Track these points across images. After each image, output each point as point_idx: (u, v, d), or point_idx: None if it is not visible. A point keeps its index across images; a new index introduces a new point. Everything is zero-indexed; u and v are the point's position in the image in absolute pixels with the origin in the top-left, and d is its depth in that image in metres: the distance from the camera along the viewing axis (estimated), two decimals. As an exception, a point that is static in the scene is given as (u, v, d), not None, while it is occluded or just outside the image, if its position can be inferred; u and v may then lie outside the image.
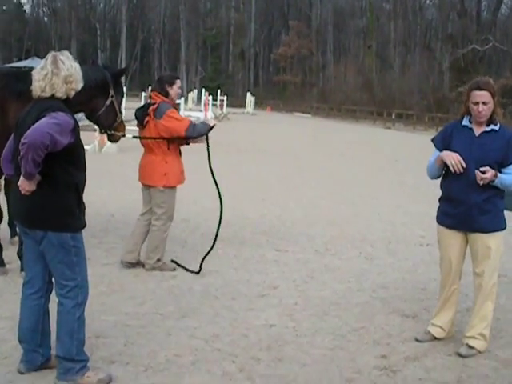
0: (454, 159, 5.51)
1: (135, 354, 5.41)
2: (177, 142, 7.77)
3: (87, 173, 4.79)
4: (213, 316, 6.44)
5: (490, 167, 5.43)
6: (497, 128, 5.62)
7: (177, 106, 8.61)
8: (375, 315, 6.68)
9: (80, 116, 7.26)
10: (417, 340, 6.00)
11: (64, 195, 4.61)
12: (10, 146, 4.86)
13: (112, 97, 7.51)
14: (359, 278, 8.05)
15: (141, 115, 7.85)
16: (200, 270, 7.86)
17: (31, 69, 4.98)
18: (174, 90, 7.83)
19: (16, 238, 8.37)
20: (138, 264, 7.97)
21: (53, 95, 4.65)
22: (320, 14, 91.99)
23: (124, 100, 10.47)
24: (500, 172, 5.49)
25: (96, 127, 8.75)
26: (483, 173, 5.41)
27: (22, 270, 6.97)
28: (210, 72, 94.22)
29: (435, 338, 6.00)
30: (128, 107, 21.33)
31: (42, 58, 5.49)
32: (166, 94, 7.79)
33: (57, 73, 4.64)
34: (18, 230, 5.92)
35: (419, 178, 16.92)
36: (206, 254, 7.97)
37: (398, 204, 13.99)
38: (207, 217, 11.08)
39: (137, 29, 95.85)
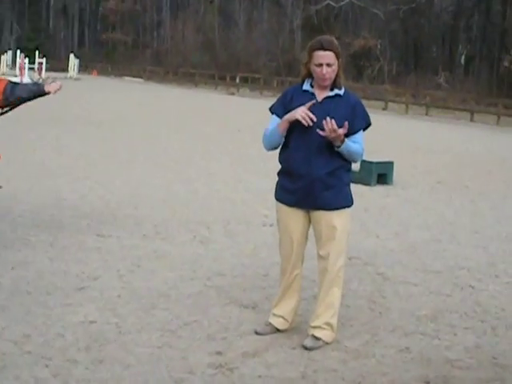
0: (302, 112, 5.48)
1: None
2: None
3: None
4: (24, 314, 6.26)
5: None
6: (341, 93, 5.65)
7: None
8: (210, 307, 6.70)
9: None
10: (256, 333, 6.02)
11: None
12: None
13: None
14: (193, 265, 8.05)
15: None
16: None
17: None
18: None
19: None
20: None
21: None
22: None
23: None
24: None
25: None
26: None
27: None
28: (28, 30, 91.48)
29: (277, 330, 6.02)
30: None
31: None
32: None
33: None
34: None
35: (264, 150, 17.20)
36: None
37: (239, 179, 14.14)
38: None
39: None
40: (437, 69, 57.40)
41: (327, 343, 5.83)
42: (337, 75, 5.60)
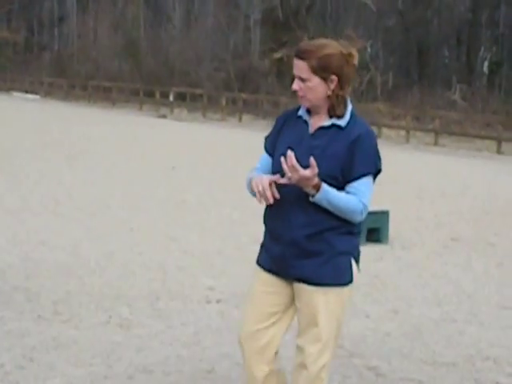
0: (262, 185, 5.28)
1: None
2: None
3: None
4: None
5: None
6: (342, 123, 5.43)
7: None
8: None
9: None
10: None
11: None
12: None
13: None
14: (107, 359, 8.02)
15: None
16: None
17: None
18: None
19: None
20: None
21: None
22: None
23: None
24: (341, 189, 5.34)
25: None
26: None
27: None
28: None
29: None
30: None
31: None
32: None
33: None
34: None
35: (209, 197, 17.16)
36: None
37: (172, 237, 14.14)
38: None
39: None
40: (450, 80, 57.93)
41: None
42: (331, 98, 5.42)
